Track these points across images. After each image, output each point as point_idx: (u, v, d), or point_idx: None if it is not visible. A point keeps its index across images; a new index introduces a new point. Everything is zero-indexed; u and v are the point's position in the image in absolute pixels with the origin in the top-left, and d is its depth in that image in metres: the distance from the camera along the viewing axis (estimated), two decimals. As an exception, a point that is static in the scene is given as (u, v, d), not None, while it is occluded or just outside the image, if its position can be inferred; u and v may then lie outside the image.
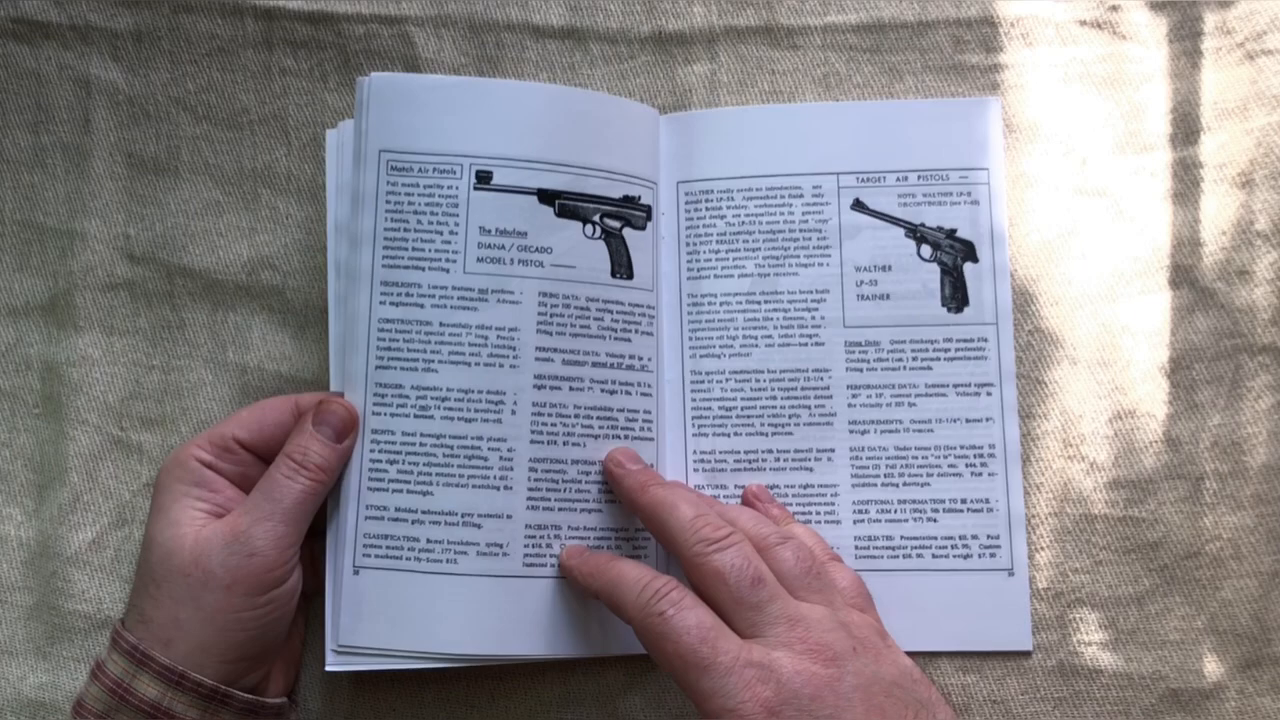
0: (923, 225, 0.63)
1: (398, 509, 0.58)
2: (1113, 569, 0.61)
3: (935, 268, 0.62)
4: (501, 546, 0.58)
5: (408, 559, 0.58)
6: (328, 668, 0.58)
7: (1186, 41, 0.63)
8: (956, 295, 0.62)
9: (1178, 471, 0.62)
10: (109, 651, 0.55)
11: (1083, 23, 0.64)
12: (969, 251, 0.62)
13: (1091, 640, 0.61)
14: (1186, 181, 0.63)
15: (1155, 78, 0.63)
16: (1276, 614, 0.61)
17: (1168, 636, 0.61)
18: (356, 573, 0.58)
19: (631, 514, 0.60)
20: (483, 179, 0.60)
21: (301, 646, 0.62)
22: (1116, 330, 0.62)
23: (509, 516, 0.59)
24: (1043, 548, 0.61)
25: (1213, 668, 0.61)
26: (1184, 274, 0.62)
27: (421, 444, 0.58)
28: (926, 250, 0.62)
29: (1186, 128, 0.63)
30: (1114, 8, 0.64)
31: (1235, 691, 0.60)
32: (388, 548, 0.58)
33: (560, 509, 0.59)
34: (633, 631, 0.52)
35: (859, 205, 0.63)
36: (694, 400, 0.63)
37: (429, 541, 0.58)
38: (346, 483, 0.59)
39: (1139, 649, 0.61)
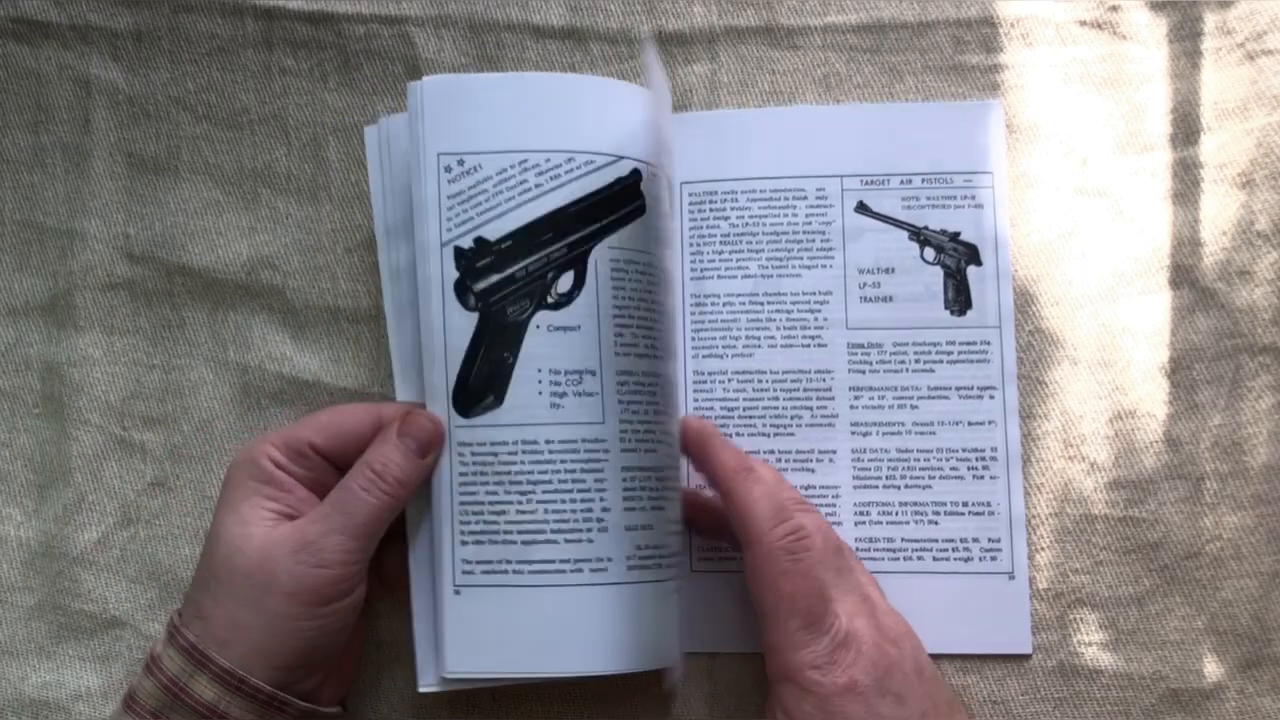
0: (926, 228, 0.63)
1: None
2: (1113, 569, 0.61)
3: (938, 271, 0.62)
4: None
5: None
6: (422, 689, 0.58)
7: (1186, 41, 0.63)
8: (960, 298, 0.62)
9: (1178, 472, 0.62)
10: (164, 646, 0.54)
11: (1083, 23, 0.64)
12: (972, 255, 0.62)
13: (1092, 641, 0.61)
14: (1187, 181, 0.63)
15: (1155, 78, 0.63)
16: (1276, 614, 0.61)
17: (1168, 637, 0.61)
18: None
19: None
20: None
21: (357, 657, 0.61)
22: (1117, 330, 0.62)
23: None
24: (1043, 548, 0.61)
25: (1213, 668, 0.61)
26: (1184, 274, 0.62)
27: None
28: (930, 253, 0.62)
29: (1187, 128, 0.63)
30: (1114, 8, 0.64)
31: (1235, 691, 0.61)
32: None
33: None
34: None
35: (862, 208, 0.63)
36: (696, 400, 0.63)
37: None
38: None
39: (1139, 649, 0.61)
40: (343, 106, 0.65)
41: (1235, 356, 0.62)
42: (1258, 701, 0.60)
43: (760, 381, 0.62)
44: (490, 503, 0.56)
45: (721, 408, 0.62)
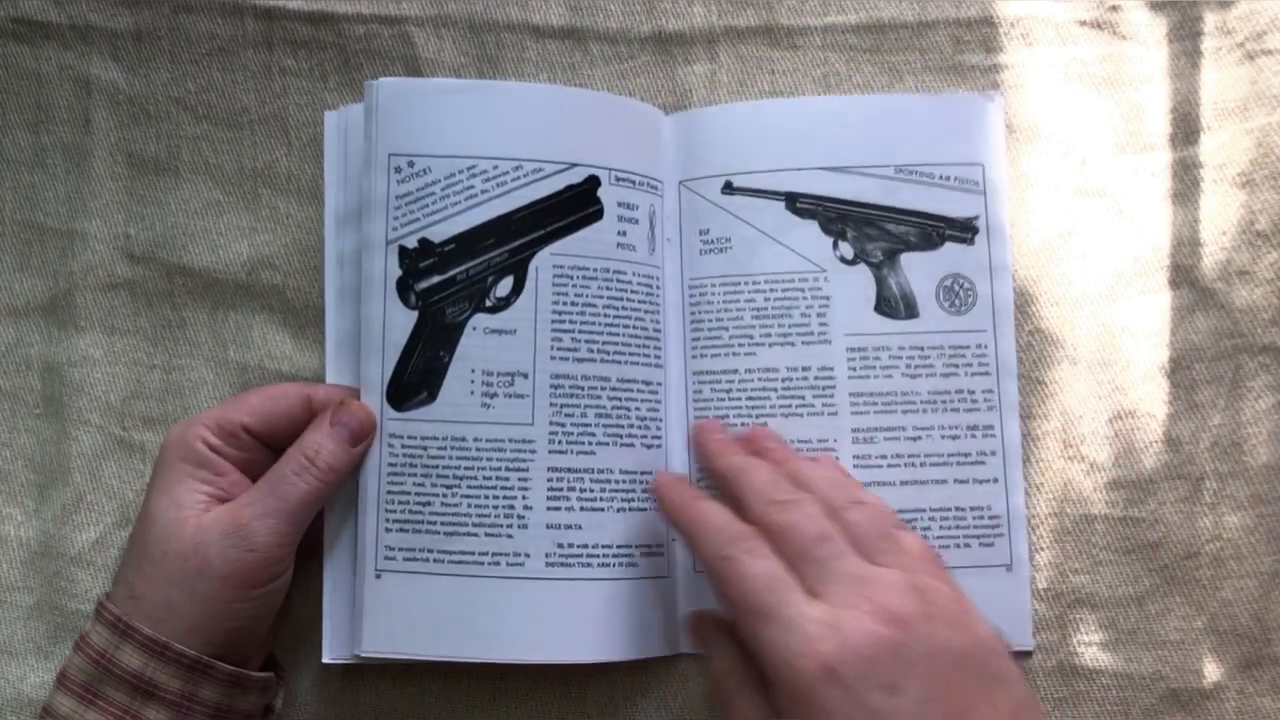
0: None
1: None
2: (1113, 569, 0.61)
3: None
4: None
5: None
6: (326, 660, 0.60)
7: (1186, 41, 0.63)
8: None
9: (1178, 471, 0.62)
10: (92, 623, 0.55)
11: (1083, 23, 0.64)
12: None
13: (1091, 640, 0.61)
14: (1186, 181, 0.63)
15: (1155, 78, 0.63)
16: (1276, 614, 0.61)
17: (1168, 636, 0.61)
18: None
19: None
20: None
21: (281, 620, 0.62)
22: (1116, 330, 0.62)
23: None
24: (1043, 548, 0.61)
25: (1213, 668, 0.61)
26: (1184, 274, 0.62)
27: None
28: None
29: (1186, 128, 0.63)
30: (1114, 8, 0.63)
31: (1235, 691, 0.61)
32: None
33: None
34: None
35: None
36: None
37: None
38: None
39: (1139, 649, 0.61)
40: (343, 106, 0.65)
41: (1235, 356, 0.62)
42: (1258, 701, 0.60)
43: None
44: (416, 493, 0.59)
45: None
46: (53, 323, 0.65)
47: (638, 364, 0.61)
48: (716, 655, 0.53)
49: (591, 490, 0.59)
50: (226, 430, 0.57)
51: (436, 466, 0.59)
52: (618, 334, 0.60)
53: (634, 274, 0.61)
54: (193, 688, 0.54)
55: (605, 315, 0.60)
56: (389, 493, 0.59)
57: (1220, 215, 0.62)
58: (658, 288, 0.62)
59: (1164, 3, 0.63)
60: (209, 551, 0.54)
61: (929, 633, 0.47)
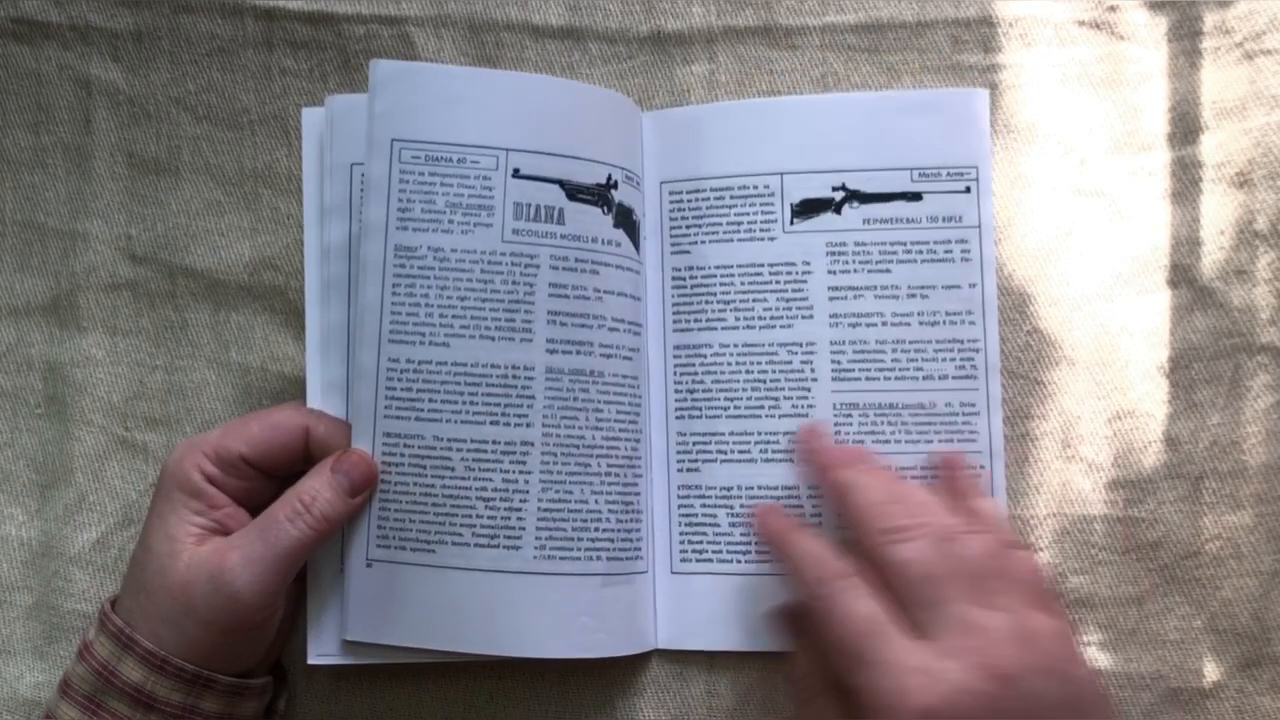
0: None
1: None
2: (1112, 569, 0.61)
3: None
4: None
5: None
6: (311, 661, 0.59)
7: (1185, 41, 0.63)
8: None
9: (1177, 471, 0.62)
10: (96, 632, 0.55)
11: (1081, 23, 0.64)
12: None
13: (1091, 640, 0.61)
14: (1185, 181, 0.63)
15: (1154, 77, 0.63)
16: (1276, 613, 0.61)
17: (1167, 636, 0.61)
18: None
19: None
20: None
21: (291, 624, 0.62)
22: (1115, 330, 0.62)
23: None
24: (1042, 548, 0.61)
25: (1212, 667, 0.61)
26: (1183, 274, 0.62)
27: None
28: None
29: (1185, 127, 0.63)
30: (1112, 8, 0.63)
31: (1235, 691, 0.61)
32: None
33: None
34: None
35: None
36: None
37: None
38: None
39: (1139, 649, 0.61)
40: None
41: (1234, 356, 0.62)
42: (1257, 700, 0.60)
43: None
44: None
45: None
46: (55, 323, 0.65)
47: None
48: (801, 656, 0.54)
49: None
50: (224, 460, 0.56)
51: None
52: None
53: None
54: (194, 700, 0.55)
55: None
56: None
57: (1219, 215, 0.62)
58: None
59: (1162, 2, 0.63)
60: (194, 593, 0.53)
61: (1028, 688, 0.46)
